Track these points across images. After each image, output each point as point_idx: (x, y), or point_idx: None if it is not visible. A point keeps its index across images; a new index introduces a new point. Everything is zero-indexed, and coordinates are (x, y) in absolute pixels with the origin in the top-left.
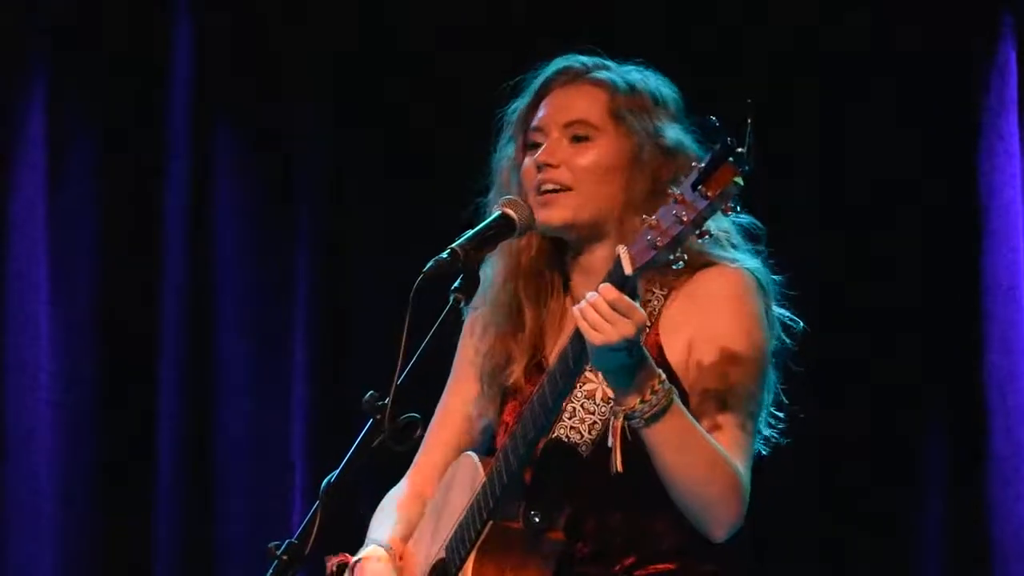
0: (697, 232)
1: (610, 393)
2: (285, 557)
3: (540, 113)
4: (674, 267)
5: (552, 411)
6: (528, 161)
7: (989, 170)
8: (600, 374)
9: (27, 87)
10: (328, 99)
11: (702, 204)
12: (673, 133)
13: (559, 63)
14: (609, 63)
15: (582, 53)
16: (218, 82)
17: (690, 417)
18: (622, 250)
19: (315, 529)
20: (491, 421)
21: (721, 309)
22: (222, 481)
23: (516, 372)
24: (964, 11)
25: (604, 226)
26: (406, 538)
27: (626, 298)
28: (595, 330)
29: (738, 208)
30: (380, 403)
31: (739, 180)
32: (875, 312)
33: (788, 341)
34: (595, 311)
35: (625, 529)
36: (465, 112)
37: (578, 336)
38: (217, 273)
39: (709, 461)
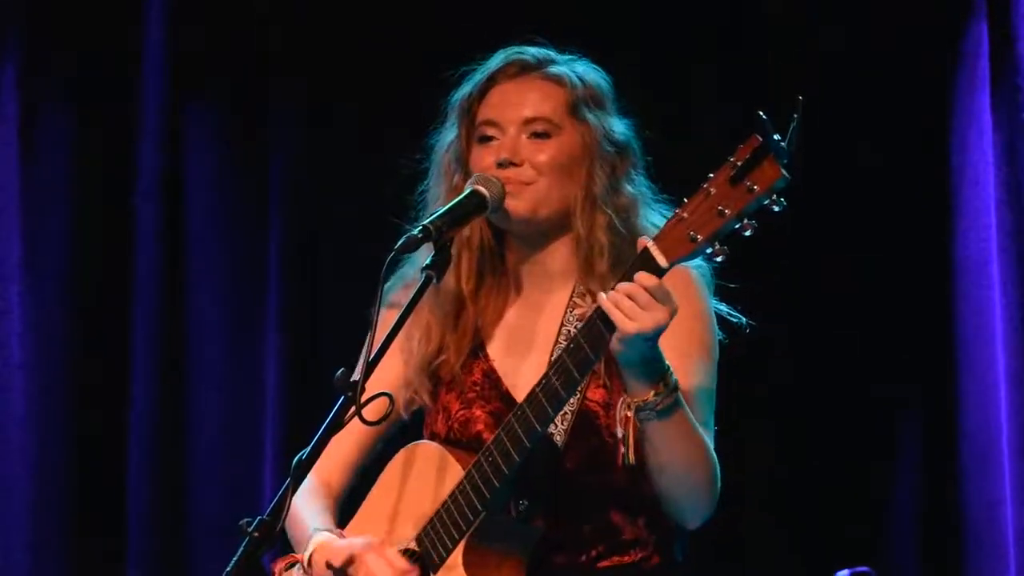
0: (739, 225)
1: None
2: (256, 534)
3: (492, 106)
4: (716, 260)
5: (563, 402)
6: (482, 153)
7: (961, 147)
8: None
9: None
10: (303, 76)
11: (748, 198)
12: (619, 127)
13: (507, 55)
14: (555, 55)
15: (527, 44)
16: (192, 58)
17: (687, 410)
18: (649, 244)
19: (287, 506)
20: (421, 405)
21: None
22: (194, 460)
23: (452, 361)
24: None
25: (563, 221)
26: (338, 527)
27: (664, 285)
28: (630, 319)
29: (783, 201)
30: (351, 380)
31: (786, 174)
32: (847, 288)
33: (723, 336)
34: (630, 299)
35: (593, 519)
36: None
37: (596, 324)
38: (191, 251)
39: (702, 453)
